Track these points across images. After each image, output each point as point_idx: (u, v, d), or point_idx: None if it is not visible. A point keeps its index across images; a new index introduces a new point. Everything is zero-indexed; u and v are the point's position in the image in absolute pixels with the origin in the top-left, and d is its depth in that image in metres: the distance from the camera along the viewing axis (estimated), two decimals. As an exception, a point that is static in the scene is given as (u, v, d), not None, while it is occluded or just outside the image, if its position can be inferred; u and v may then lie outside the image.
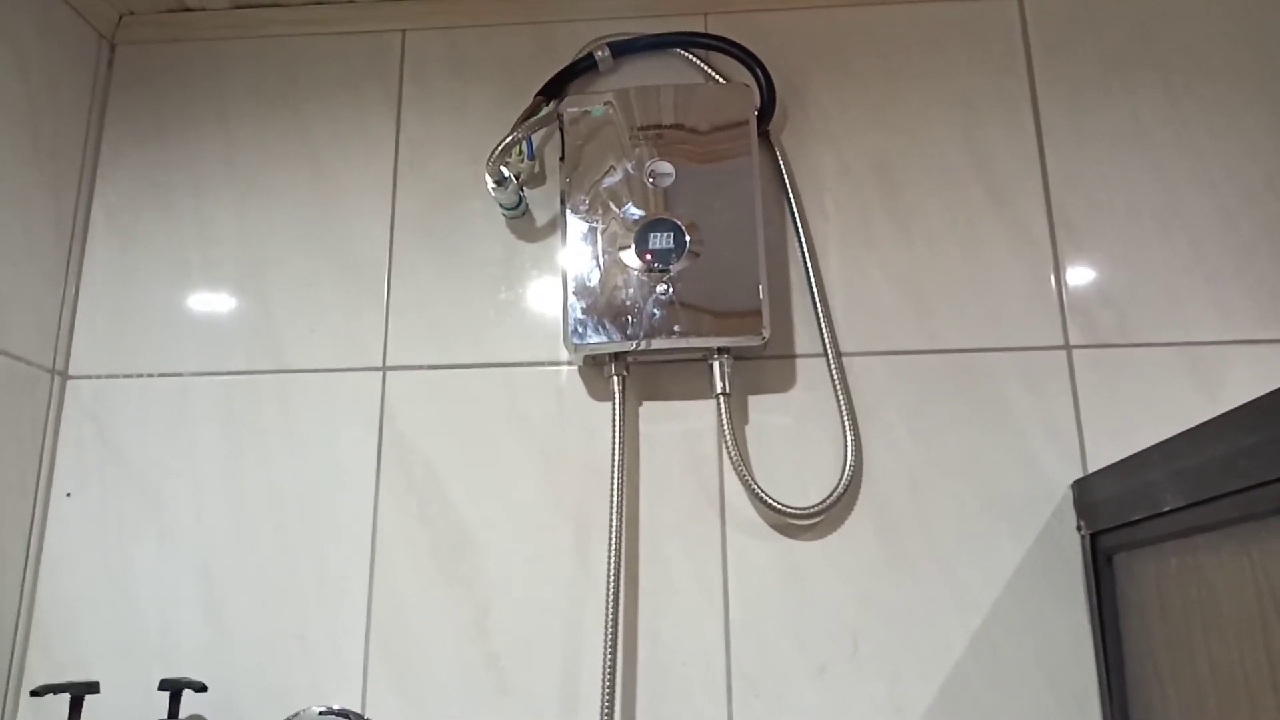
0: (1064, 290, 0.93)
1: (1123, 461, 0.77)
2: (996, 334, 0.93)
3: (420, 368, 0.97)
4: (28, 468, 0.95)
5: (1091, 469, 0.87)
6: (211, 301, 1.00)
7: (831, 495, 0.88)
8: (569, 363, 0.96)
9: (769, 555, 0.89)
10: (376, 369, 0.97)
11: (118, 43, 1.09)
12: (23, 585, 0.93)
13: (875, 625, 0.87)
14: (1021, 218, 0.95)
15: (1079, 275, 0.93)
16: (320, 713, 0.80)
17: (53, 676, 0.91)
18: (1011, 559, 0.87)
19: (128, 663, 0.91)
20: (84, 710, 0.82)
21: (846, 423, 0.90)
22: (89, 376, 0.99)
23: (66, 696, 0.82)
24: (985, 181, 0.97)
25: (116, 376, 0.99)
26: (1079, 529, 0.86)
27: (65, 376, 0.99)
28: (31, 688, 0.90)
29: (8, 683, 0.91)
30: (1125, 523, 0.78)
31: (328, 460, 0.95)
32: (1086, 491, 0.86)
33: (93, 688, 0.82)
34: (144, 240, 1.03)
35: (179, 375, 0.98)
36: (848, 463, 0.89)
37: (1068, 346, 0.92)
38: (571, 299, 0.90)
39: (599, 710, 0.84)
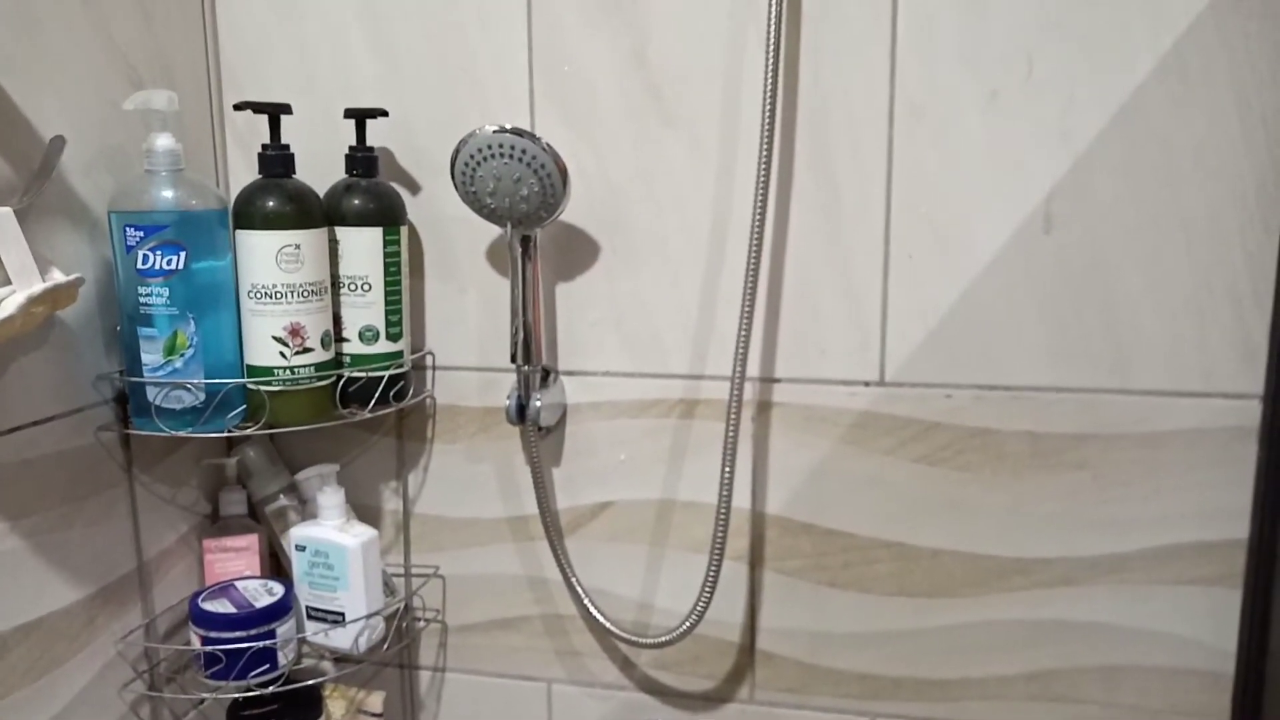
0: None
1: None
2: None
3: None
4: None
5: None
6: None
7: (1023, -99, 0.80)
8: None
9: (944, -24, 0.83)
10: None
11: None
12: (205, 36, 0.97)
13: (1055, 47, 0.82)
14: None
15: None
16: (494, 131, 0.84)
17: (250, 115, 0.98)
18: (1222, -29, 0.79)
19: (312, 97, 0.96)
20: (282, 134, 0.88)
21: None
22: None
23: (266, 118, 0.88)
24: None
25: None
26: (1311, -70, 0.76)
27: None
28: (232, 116, 0.98)
29: (212, 120, 0.99)
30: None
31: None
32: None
33: (286, 109, 0.88)
34: None
35: None
36: None
37: None
38: None
39: (758, 139, 0.86)
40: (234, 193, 0.89)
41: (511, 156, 0.84)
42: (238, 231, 0.86)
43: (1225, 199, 0.81)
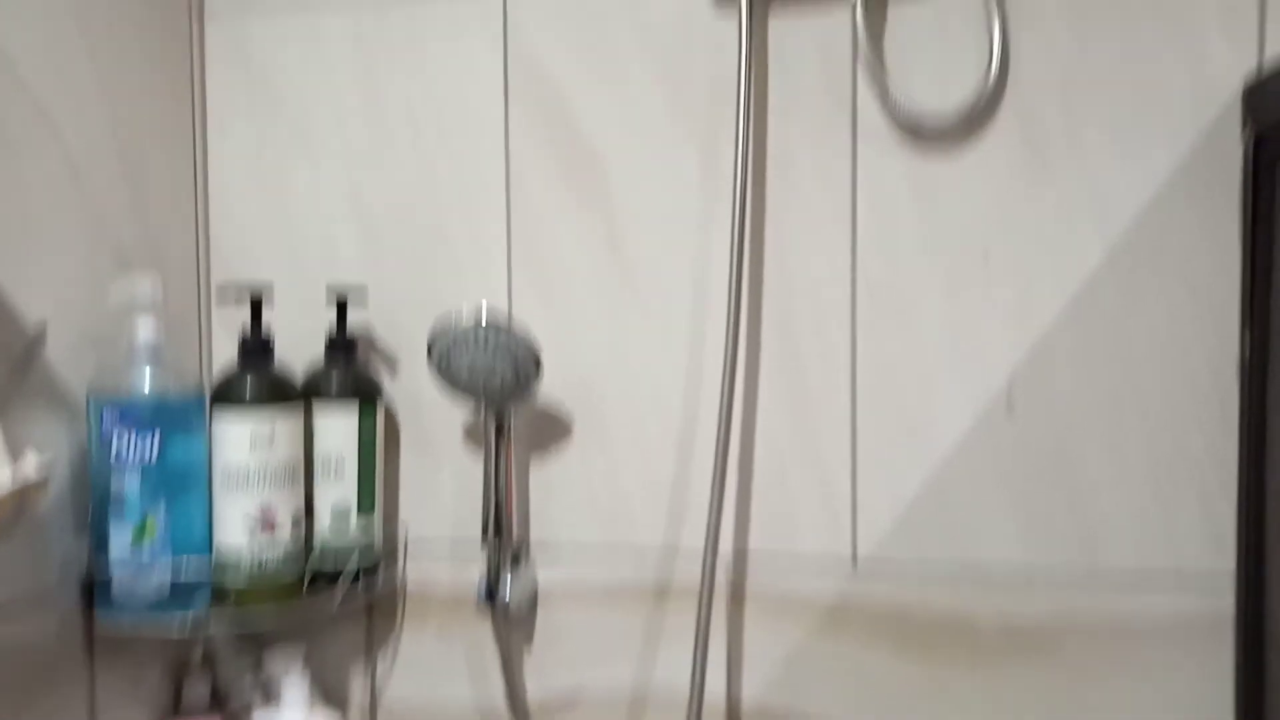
0: None
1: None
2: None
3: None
4: (182, 103, 1.00)
5: (1267, 66, 0.79)
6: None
7: (973, 98, 0.84)
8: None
9: (901, 168, 0.87)
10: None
11: None
12: (196, 214, 1.01)
13: (1008, 237, 0.85)
14: None
15: None
16: (470, 325, 0.85)
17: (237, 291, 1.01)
18: (1164, 167, 0.82)
19: (297, 272, 0.99)
20: (266, 308, 0.90)
21: (995, 13, 0.82)
22: (225, 16, 1.00)
23: (247, 302, 0.90)
24: None
25: (249, 13, 1.00)
26: (1242, 135, 0.80)
27: (203, 16, 1.01)
28: (217, 300, 1.01)
29: (199, 297, 1.01)
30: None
31: (458, 83, 0.96)
32: (1256, 91, 0.78)
33: (268, 291, 0.91)
34: None
35: (309, 10, 0.98)
36: (993, 60, 0.83)
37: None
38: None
39: (725, 320, 0.88)
40: (218, 362, 0.90)
41: (486, 347, 0.86)
42: (214, 415, 0.87)
43: (1181, 384, 0.82)
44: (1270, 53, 0.80)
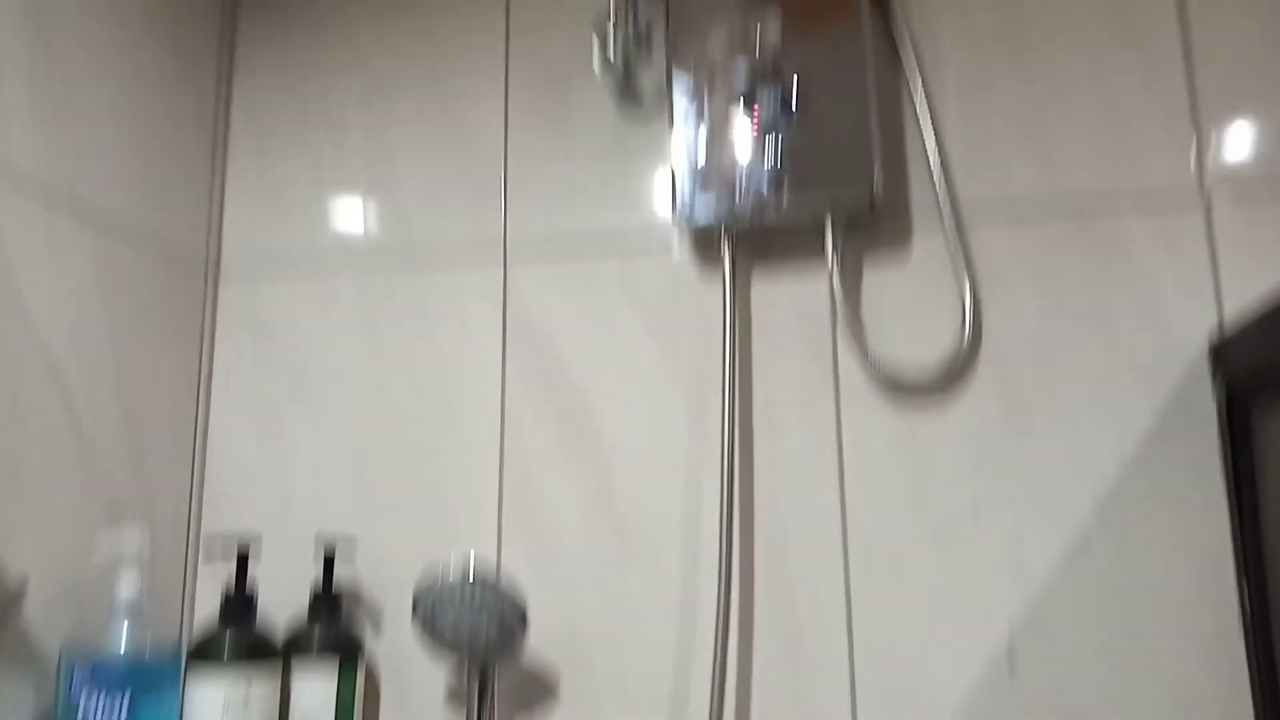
0: (1201, 133, 0.88)
1: (1264, 316, 0.73)
2: (1127, 179, 0.88)
3: (539, 261, 1.00)
4: (190, 358, 1.03)
5: (1228, 323, 0.83)
6: (346, 203, 1.06)
7: (950, 357, 0.87)
8: (680, 236, 0.97)
9: (884, 423, 0.89)
10: (498, 263, 1.01)
11: (243, -45, 1.14)
12: (193, 464, 1.02)
13: (996, 491, 0.86)
14: (1157, 59, 0.90)
15: (1218, 117, 0.87)
16: (457, 584, 0.84)
17: (224, 543, 1.00)
18: (1141, 421, 0.84)
19: (288, 523, 0.99)
20: (252, 566, 0.90)
21: (965, 279, 0.87)
22: (239, 281, 1.06)
23: (234, 555, 0.90)
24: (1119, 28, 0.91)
25: (263, 279, 1.06)
26: (1213, 387, 0.83)
27: (218, 280, 1.07)
28: (203, 555, 1.00)
29: (187, 546, 1.01)
30: (1264, 379, 0.74)
31: (457, 342, 1.00)
32: (1222, 347, 0.82)
33: (255, 544, 0.90)
34: (282, 146, 1.08)
35: (321, 277, 1.04)
36: (967, 322, 0.87)
37: (1204, 191, 0.86)
38: (678, 175, 0.91)
39: (717, 574, 0.87)
40: (202, 610, 0.88)
41: (472, 604, 0.84)
42: (189, 673, 0.84)
43: (1185, 637, 0.80)
44: (1229, 309, 0.84)
